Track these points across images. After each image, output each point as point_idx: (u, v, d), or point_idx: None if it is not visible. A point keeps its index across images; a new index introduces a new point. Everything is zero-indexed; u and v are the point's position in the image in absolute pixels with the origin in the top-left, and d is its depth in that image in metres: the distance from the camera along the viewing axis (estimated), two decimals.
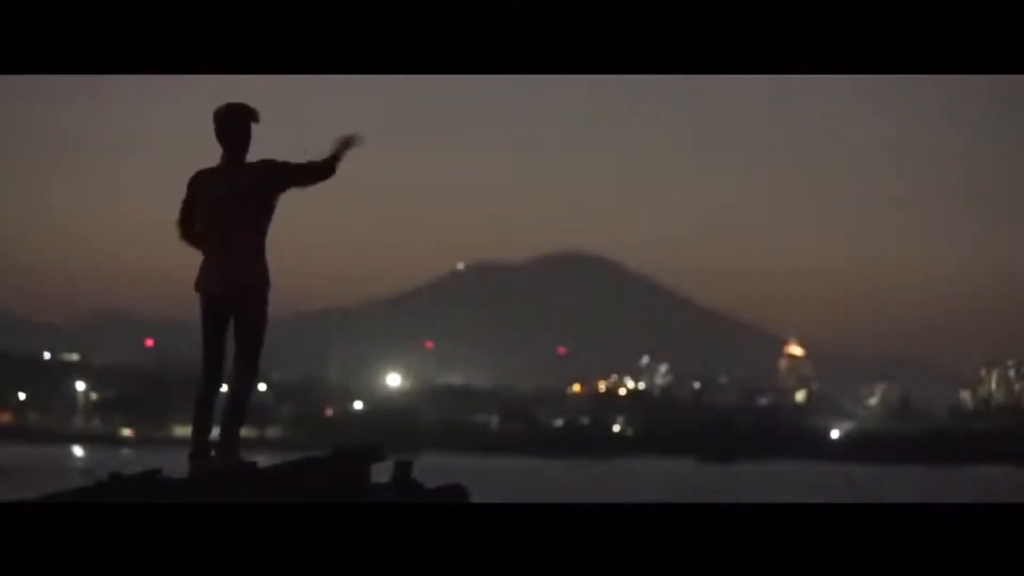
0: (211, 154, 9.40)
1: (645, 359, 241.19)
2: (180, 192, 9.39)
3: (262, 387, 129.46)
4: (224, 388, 9.43)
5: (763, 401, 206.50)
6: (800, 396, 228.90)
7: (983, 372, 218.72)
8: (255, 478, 9.06)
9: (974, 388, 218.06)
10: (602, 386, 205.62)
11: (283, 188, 9.32)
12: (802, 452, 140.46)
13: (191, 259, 9.43)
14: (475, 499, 8.98)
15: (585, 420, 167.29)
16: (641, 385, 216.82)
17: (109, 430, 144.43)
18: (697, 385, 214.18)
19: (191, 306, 9.37)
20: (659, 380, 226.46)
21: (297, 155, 9.38)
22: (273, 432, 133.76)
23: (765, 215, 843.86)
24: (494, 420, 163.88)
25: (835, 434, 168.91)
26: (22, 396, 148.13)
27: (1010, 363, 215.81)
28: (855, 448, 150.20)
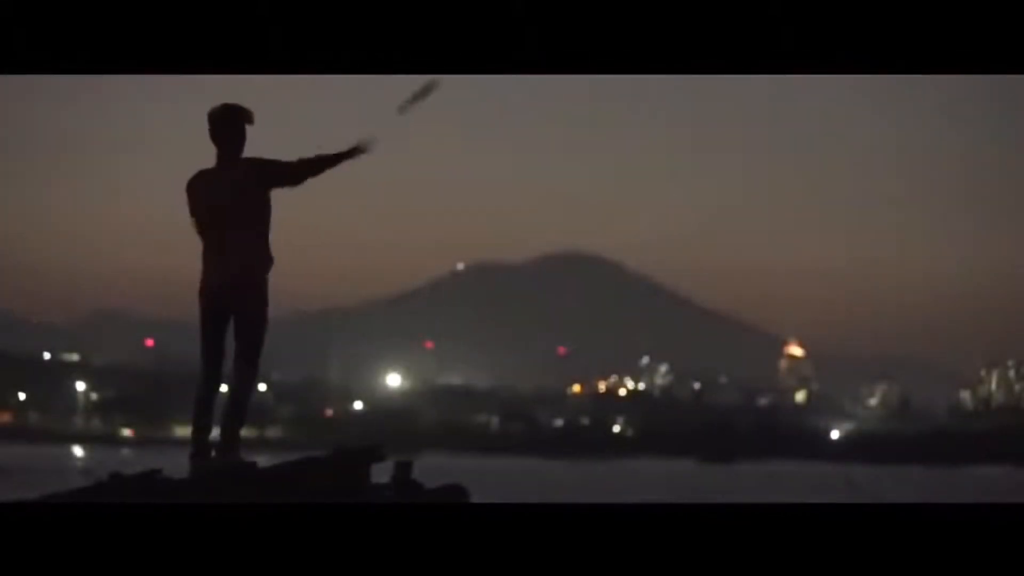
0: (211, 154, 9.41)
1: (645, 359, 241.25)
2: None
3: (262, 387, 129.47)
4: (224, 388, 9.44)
5: (763, 401, 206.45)
6: (800, 396, 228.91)
7: (983, 372, 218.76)
8: (255, 478, 9.06)
9: (974, 388, 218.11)
10: (602, 386, 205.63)
11: (276, 184, 9.33)
12: (802, 452, 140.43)
13: (191, 259, 9.45)
14: (475, 499, 8.98)
15: (585, 420, 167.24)
16: (641, 385, 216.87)
17: (109, 430, 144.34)
18: (697, 385, 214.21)
19: (191, 306, 9.38)
20: (659, 380, 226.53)
21: (297, 155, 9.40)
22: (273, 432, 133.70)
23: (765, 215, 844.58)
24: (494, 420, 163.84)
25: (835, 434, 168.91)
26: (22, 396, 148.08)
27: (1010, 363, 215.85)
28: (855, 448, 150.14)
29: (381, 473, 9.22)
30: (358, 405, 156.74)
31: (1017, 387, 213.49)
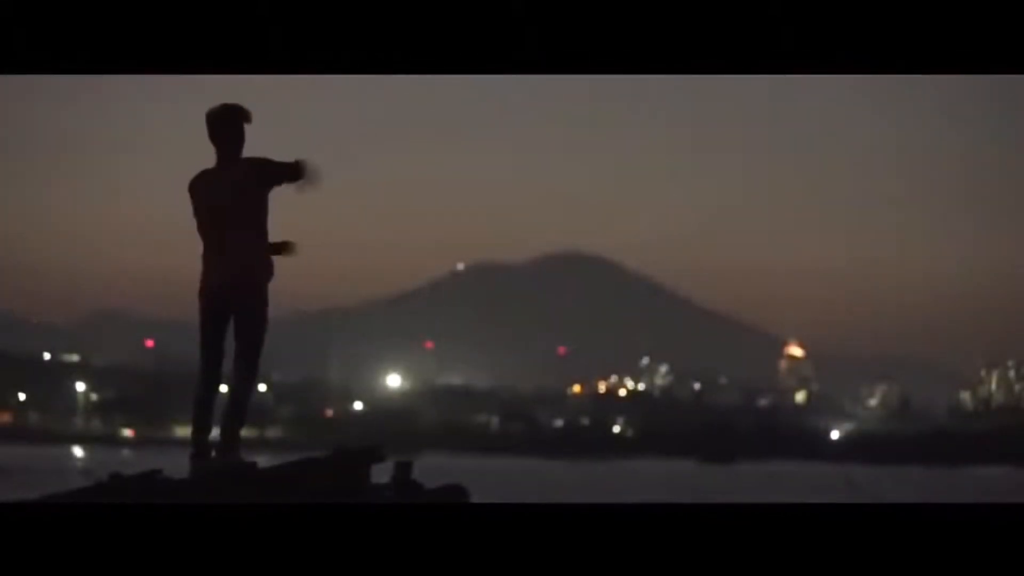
0: (211, 154, 9.41)
1: (645, 360, 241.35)
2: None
3: (262, 387, 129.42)
4: (224, 388, 9.44)
5: (763, 402, 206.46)
6: (800, 397, 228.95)
7: (983, 372, 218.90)
8: (255, 478, 9.07)
9: (974, 388, 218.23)
10: (602, 387, 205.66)
11: (277, 184, 9.34)
12: (802, 452, 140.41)
13: (191, 259, 9.45)
14: (475, 499, 8.98)
15: (585, 420, 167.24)
16: (641, 386, 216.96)
17: (109, 430, 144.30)
18: (697, 386, 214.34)
19: (191, 306, 9.38)
20: (659, 381, 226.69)
21: (297, 155, 9.40)
22: (273, 432, 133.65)
23: (765, 215, 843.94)
24: (494, 420, 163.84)
25: (835, 434, 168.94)
26: (22, 396, 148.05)
27: (1010, 363, 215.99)
28: (855, 448, 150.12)
29: (381, 473, 9.22)
30: (358, 405, 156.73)
31: (1017, 387, 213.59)
